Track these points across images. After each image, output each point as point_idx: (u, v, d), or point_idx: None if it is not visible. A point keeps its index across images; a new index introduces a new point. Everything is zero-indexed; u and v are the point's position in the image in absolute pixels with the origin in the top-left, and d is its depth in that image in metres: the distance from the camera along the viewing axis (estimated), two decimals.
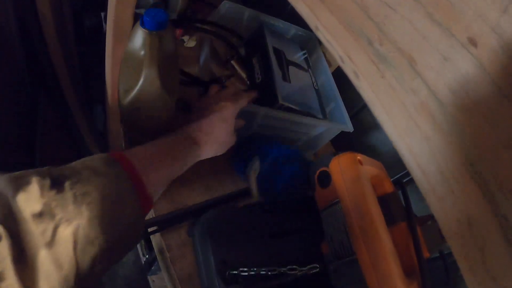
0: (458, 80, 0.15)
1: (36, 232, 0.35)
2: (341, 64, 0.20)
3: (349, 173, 0.52)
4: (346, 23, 0.19)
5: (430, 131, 0.16)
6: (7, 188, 0.36)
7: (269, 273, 0.59)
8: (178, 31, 0.87)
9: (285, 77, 0.79)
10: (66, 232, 0.36)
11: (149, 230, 0.67)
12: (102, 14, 0.96)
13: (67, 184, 0.38)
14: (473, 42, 0.15)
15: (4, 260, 0.32)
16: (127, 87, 0.55)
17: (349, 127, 0.82)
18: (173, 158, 0.55)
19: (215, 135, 0.62)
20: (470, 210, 0.15)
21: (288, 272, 0.59)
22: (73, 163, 0.43)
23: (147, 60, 0.52)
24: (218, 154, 0.65)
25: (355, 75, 0.19)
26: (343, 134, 0.84)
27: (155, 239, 0.73)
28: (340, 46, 0.19)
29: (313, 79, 0.89)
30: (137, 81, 0.53)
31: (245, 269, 0.58)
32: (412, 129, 0.17)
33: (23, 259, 0.34)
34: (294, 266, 0.59)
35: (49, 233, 0.35)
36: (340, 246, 0.56)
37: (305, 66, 0.90)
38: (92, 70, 1.14)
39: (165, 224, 0.67)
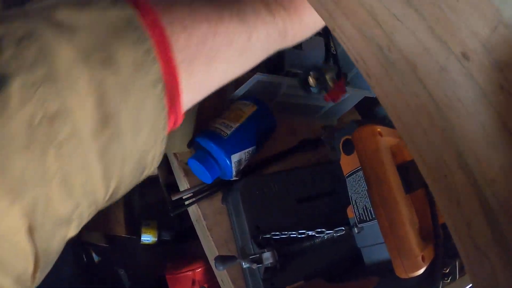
0: (452, 87, 0.18)
1: None
2: (356, 64, 0.23)
3: (370, 145, 0.55)
4: (359, 28, 0.21)
5: (428, 126, 0.19)
6: None
7: (299, 236, 0.64)
8: None
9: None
10: None
11: (186, 202, 0.73)
12: None
13: None
14: (466, 56, 0.17)
15: None
16: None
17: (372, 93, 0.83)
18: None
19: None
20: (459, 192, 0.19)
21: (316, 234, 0.64)
22: None
23: None
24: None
25: (368, 76, 0.22)
26: (366, 99, 0.85)
27: (191, 209, 0.78)
28: (355, 49, 0.22)
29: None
30: None
31: (277, 232, 0.63)
32: (413, 124, 0.20)
33: None
34: (322, 229, 0.64)
35: None
36: (363, 210, 0.60)
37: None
38: None
39: (200, 194, 0.73)
